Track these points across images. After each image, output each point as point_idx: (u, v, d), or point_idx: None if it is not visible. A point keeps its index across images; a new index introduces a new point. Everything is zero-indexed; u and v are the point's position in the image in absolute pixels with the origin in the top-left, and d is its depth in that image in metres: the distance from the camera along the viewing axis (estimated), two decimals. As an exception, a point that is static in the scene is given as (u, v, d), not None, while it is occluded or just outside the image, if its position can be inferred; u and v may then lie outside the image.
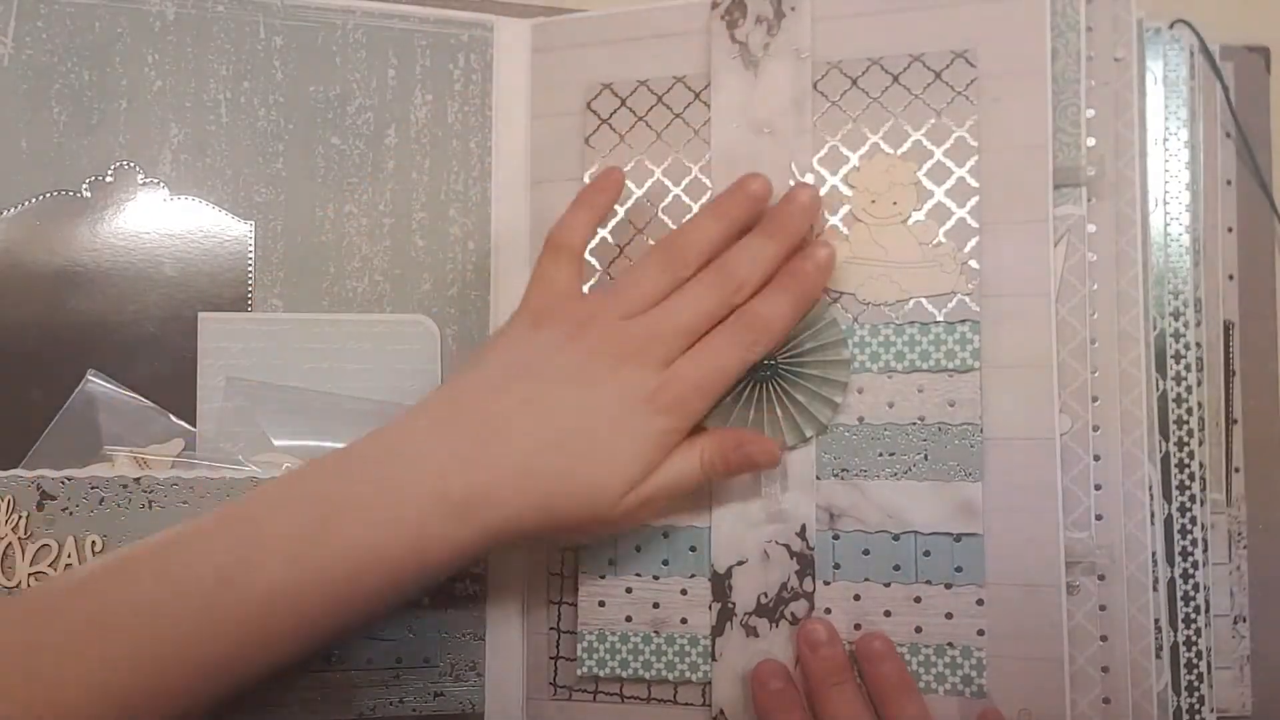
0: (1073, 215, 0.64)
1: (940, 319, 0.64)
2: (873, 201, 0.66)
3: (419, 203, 0.71)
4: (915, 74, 0.66)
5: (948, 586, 0.63)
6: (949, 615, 0.63)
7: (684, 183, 0.69)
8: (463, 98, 0.72)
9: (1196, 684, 0.66)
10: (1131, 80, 0.65)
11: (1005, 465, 0.63)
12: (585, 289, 0.69)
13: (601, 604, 0.67)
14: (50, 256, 0.67)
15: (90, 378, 0.67)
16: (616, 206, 0.69)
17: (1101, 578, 0.62)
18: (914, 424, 0.64)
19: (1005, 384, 0.63)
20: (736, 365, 0.62)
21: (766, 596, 0.65)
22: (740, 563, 0.65)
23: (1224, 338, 0.72)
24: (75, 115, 0.68)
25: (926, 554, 0.63)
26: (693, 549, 0.66)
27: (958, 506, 0.63)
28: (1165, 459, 0.67)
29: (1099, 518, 0.63)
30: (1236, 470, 0.72)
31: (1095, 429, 0.63)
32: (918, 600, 0.63)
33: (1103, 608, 0.62)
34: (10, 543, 0.64)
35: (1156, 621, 0.63)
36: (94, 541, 0.65)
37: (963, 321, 0.64)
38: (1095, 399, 0.63)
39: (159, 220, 0.68)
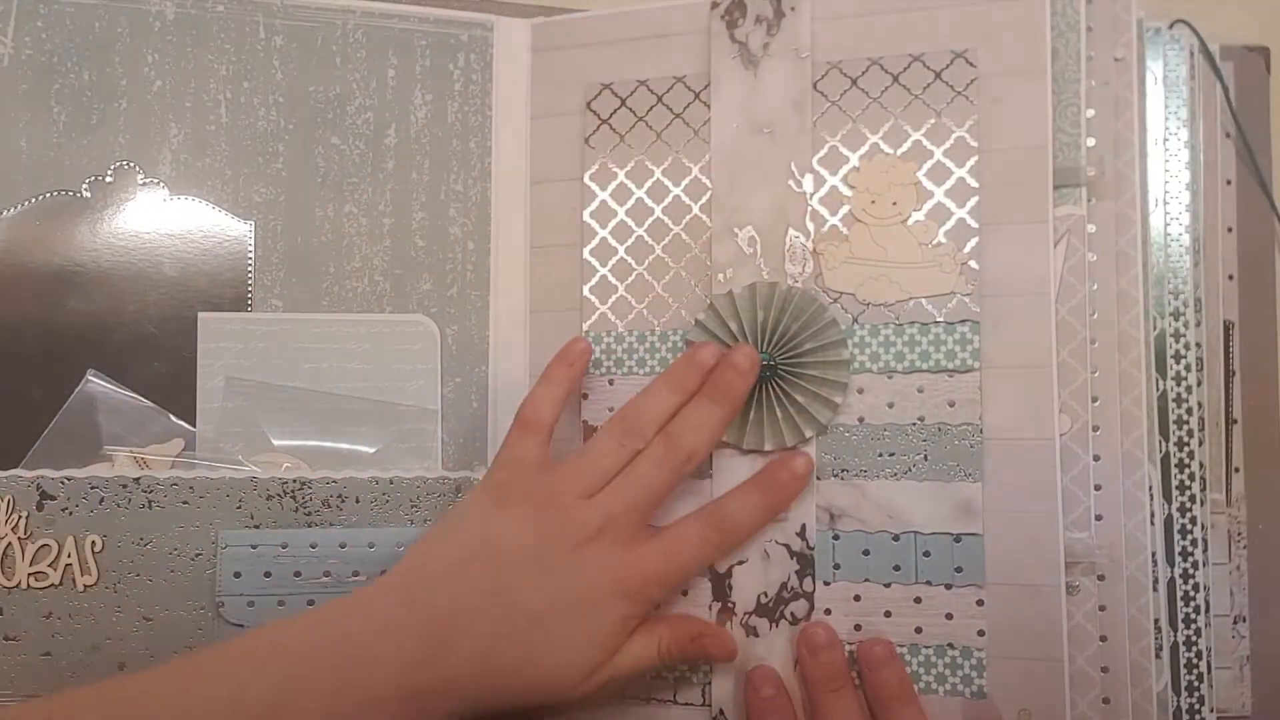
0: (1073, 215, 0.64)
1: (940, 319, 0.64)
2: (872, 202, 0.66)
3: (419, 203, 0.71)
4: (915, 74, 0.66)
5: (948, 587, 0.63)
6: (949, 616, 0.63)
7: (684, 183, 0.69)
8: (462, 98, 0.72)
9: (1196, 684, 0.66)
10: (1131, 80, 0.65)
11: (1005, 465, 0.63)
12: (586, 289, 0.69)
13: (601, 604, 0.67)
14: (50, 256, 0.67)
15: (90, 378, 0.67)
16: (616, 208, 0.69)
17: (1101, 578, 0.62)
18: (914, 424, 0.64)
19: (1005, 384, 0.63)
20: (699, 564, 0.64)
21: (766, 596, 0.65)
22: (740, 562, 0.65)
23: (1224, 338, 0.72)
24: (75, 115, 0.68)
25: (927, 554, 0.63)
26: (692, 549, 0.66)
27: (958, 507, 0.63)
28: (1165, 459, 0.66)
29: (1099, 518, 0.63)
30: (1236, 470, 0.72)
31: (1095, 429, 0.63)
32: (918, 601, 0.63)
33: (1102, 608, 0.62)
34: (10, 543, 0.64)
35: (1156, 622, 0.63)
36: (94, 541, 0.65)
37: (962, 322, 0.64)
38: (1095, 399, 0.63)
39: (159, 220, 0.68)
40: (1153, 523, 0.63)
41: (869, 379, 0.65)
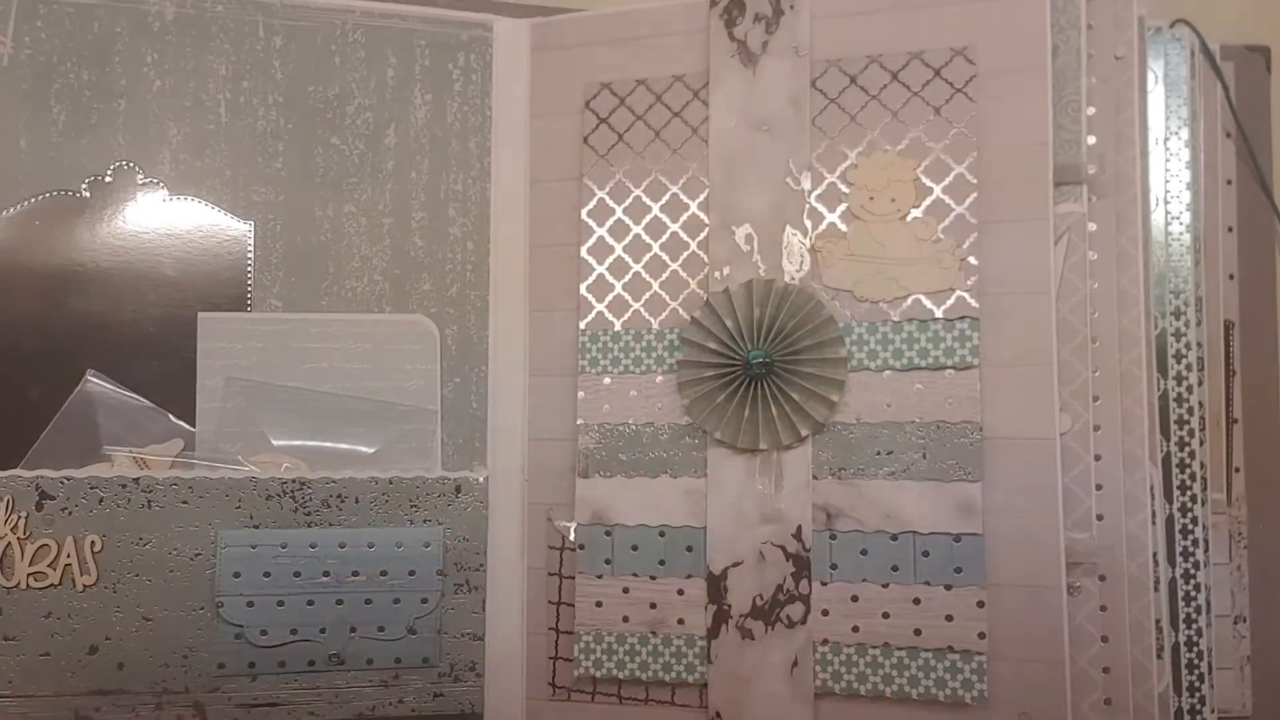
0: (1073, 213, 0.64)
1: (939, 315, 0.64)
2: (871, 198, 0.65)
3: (418, 203, 0.71)
4: (914, 71, 0.66)
5: (947, 588, 0.63)
6: (949, 618, 0.62)
7: (681, 181, 0.69)
8: (462, 98, 0.72)
9: (1198, 684, 0.66)
10: (1132, 78, 0.65)
11: (1005, 464, 0.62)
12: (583, 287, 0.69)
13: (599, 604, 0.67)
14: (49, 257, 0.67)
15: (89, 378, 0.67)
16: (614, 206, 0.69)
17: (1103, 578, 0.62)
18: (912, 423, 0.64)
19: (1005, 382, 0.63)
20: None
21: (762, 599, 0.65)
22: (736, 564, 0.65)
23: (1224, 337, 0.72)
24: (74, 115, 0.68)
25: (925, 554, 0.63)
26: (689, 549, 0.66)
27: (957, 506, 0.63)
28: (1166, 459, 0.66)
29: (1100, 518, 0.62)
30: (1237, 470, 0.72)
31: (1096, 428, 0.63)
32: (917, 602, 0.63)
33: (1104, 608, 0.62)
34: (10, 542, 0.64)
35: (1158, 622, 0.62)
36: (93, 541, 0.65)
37: (961, 318, 0.63)
38: (1096, 398, 0.63)
39: (158, 220, 0.69)
40: (1154, 522, 0.63)
41: (866, 377, 0.64)
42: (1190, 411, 0.67)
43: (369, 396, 0.69)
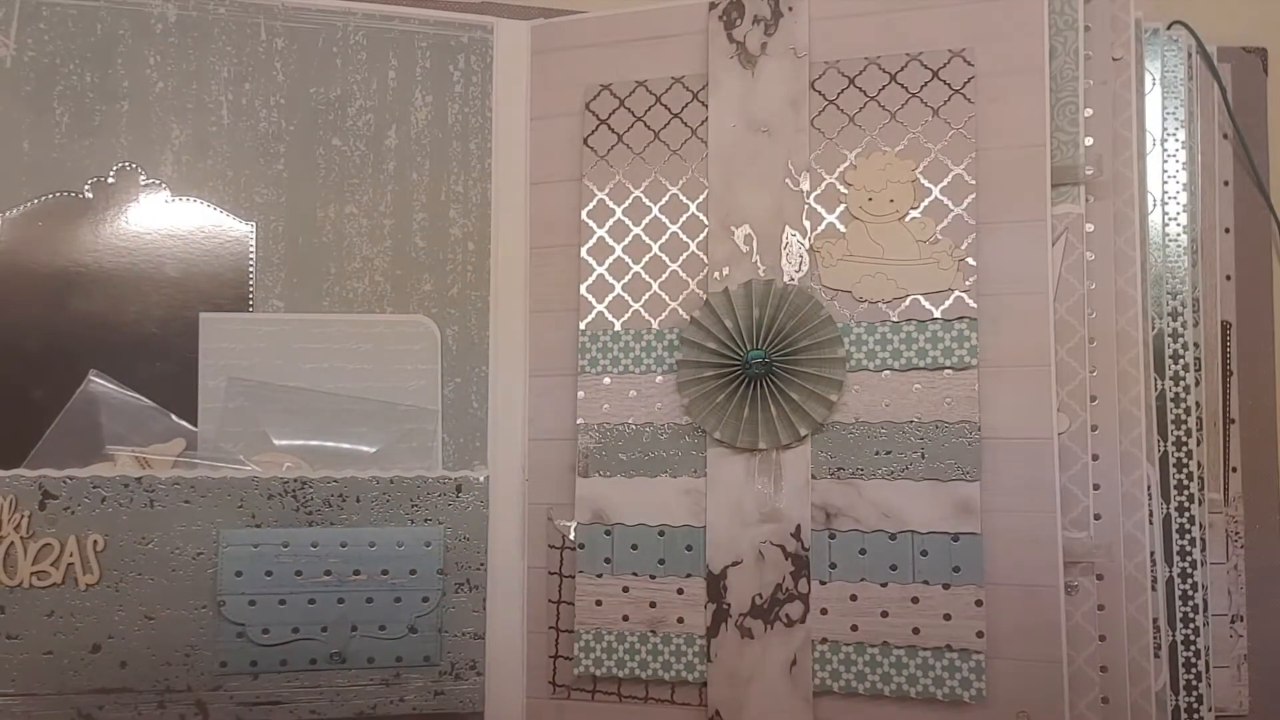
0: (1071, 214, 0.64)
1: (937, 316, 0.64)
2: (870, 199, 0.66)
3: (419, 204, 0.72)
4: (913, 72, 0.66)
5: (945, 587, 0.63)
6: (947, 617, 0.63)
7: (681, 182, 0.69)
8: (463, 99, 0.73)
9: (1195, 683, 0.66)
10: (1130, 80, 0.65)
11: (1003, 464, 0.63)
12: (583, 287, 0.69)
13: (599, 603, 0.67)
14: (52, 257, 0.67)
15: (92, 378, 0.67)
16: (614, 206, 0.70)
17: (1100, 577, 0.62)
18: (911, 422, 0.64)
19: (1003, 382, 0.63)
20: None
21: (761, 598, 0.65)
22: (735, 563, 0.65)
23: (1221, 337, 0.72)
24: (77, 116, 0.68)
25: (924, 553, 0.63)
26: (689, 548, 0.66)
27: (955, 505, 0.63)
28: (1164, 458, 0.66)
29: (1097, 517, 0.62)
30: (1234, 470, 0.72)
31: (1094, 428, 0.63)
32: (915, 601, 0.63)
33: (1101, 607, 0.62)
34: (12, 542, 0.65)
35: (1155, 621, 0.63)
36: (96, 540, 0.65)
37: (960, 319, 0.64)
38: (1094, 398, 0.63)
39: (160, 221, 0.69)
40: (1151, 522, 0.63)
41: (865, 376, 0.65)
42: (1187, 411, 0.67)
43: (370, 396, 0.70)
